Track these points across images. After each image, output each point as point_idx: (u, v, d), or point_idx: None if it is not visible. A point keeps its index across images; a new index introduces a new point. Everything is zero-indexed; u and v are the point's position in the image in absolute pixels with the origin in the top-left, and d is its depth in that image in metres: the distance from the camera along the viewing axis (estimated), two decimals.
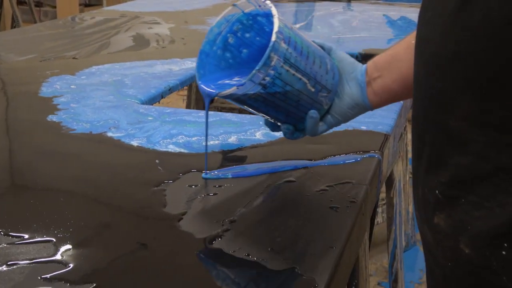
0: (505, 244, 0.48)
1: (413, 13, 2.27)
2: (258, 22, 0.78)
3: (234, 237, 0.66)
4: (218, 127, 0.99)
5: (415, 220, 2.22)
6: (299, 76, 0.73)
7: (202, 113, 1.07)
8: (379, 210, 1.96)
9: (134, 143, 0.92)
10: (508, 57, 0.46)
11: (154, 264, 0.61)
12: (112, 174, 0.83)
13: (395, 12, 2.26)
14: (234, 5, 0.78)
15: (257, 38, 0.79)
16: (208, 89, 0.74)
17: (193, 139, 0.94)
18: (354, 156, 0.88)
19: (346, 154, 0.89)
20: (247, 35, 0.79)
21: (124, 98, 1.14)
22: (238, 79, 0.76)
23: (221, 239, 0.65)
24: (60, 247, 0.63)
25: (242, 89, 0.71)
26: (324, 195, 0.77)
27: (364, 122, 1.02)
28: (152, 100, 1.17)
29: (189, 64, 1.39)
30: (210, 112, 1.08)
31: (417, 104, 0.57)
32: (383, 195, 1.61)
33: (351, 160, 0.87)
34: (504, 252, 0.48)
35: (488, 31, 0.47)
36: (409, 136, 1.78)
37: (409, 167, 2.30)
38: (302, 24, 2.05)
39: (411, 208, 2.11)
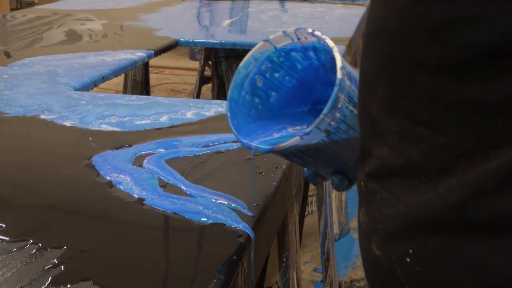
0: (410, 251, 0.44)
1: (341, 9, 2.35)
2: (290, 59, 0.67)
3: (165, 198, 0.69)
4: (150, 108, 1.02)
5: (348, 208, 2.29)
6: None
7: (134, 97, 1.10)
8: (313, 199, 2.03)
9: (67, 123, 0.94)
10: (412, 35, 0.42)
11: (88, 220, 0.64)
12: (45, 150, 0.86)
13: (324, 8, 2.34)
14: (265, 40, 0.67)
15: (286, 78, 0.68)
16: (260, 146, 0.62)
17: (125, 119, 0.97)
18: None
19: None
20: (276, 74, 0.68)
21: (57, 85, 1.16)
22: (285, 132, 0.66)
23: (150, 200, 0.69)
24: None
25: (307, 139, 0.59)
26: (250, 163, 0.81)
27: None
28: (85, 88, 1.19)
29: (122, 56, 1.42)
30: (141, 96, 1.12)
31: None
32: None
33: None
34: (408, 259, 0.44)
35: (401, 6, 0.42)
36: None
37: None
38: (234, 19, 2.10)
39: (344, 197, 2.18)
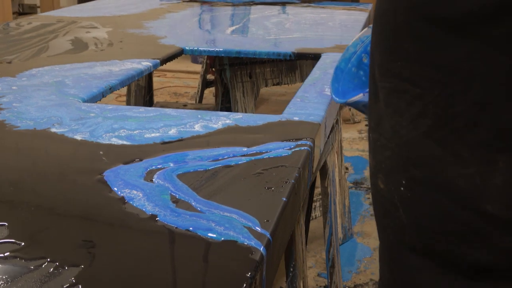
0: (403, 181, 0.57)
1: (343, 15, 2.36)
2: None
3: (177, 215, 0.71)
4: (158, 121, 1.04)
5: (352, 213, 2.30)
6: None
7: (142, 109, 1.11)
8: (317, 204, 2.04)
9: (78, 137, 0.96)
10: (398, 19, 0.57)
11: (102, 237, 0.66)
12: (58, 165, 0.87)
13: (326, 14, 2.35)
14: (369, 27, 0.84)
15: None
16: (337, 98, 0.86)
17: (134, 132, 0.98)
18: (288, 143, 0.95)
19: (280, 141, 0.95)
20: None
21: (66, 97, 1.17)
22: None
23: (163, 217, 0.70)
24: (13, 230, 0.67)
25: (368, 96, 0.77)
26: (260, 177, 0.83)
27: (296, 114, 1.09)
28: (94, 99, 1.21)
29: (129, 65, 1.43)
30: (149, 108, 1.13)
31: None
32: (318, 190, 1.68)
33: (285, 147, 0.93)
34: (402, 188, 0.58)
35: None
36: (342, 130, 1.84)
37: (344, 163, 2.39)
38: (237, 26, 2.11)
39: (347, 201, 2.19)
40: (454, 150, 0.54)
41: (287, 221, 0.79)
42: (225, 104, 2.15)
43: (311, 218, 2.15)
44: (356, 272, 2.07)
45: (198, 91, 3.24)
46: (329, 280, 1.48)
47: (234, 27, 2.08)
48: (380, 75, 0.59)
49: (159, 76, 4.32)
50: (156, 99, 3.71)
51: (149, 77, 2.69)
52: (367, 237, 2.26)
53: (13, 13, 4.79)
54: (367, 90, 0.75)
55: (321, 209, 1.91)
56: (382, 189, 0.61)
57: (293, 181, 0.82)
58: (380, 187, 0.61)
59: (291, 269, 1.07)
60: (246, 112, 2.03)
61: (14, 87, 1.23)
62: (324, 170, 1.39)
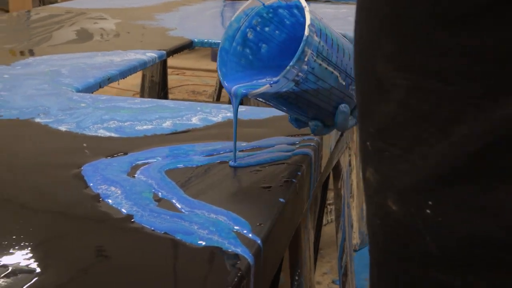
0: (430, 202, 0.45)
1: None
2: (278, 15, 0.75)
3: (157, 215, 0.62)
4: (153, 113, 0.95)
5: None
6: (331, 69, 0.70)
7: (138, 100, 1.03)
8: (333, 208, 1.94)
9: (63, 128, 0.87)
10: None
11: (66, 240, 0.57)
12: (35, 157, 0.78)
13: (347, 10, 2.26)
14: None
15: (276, 32, 0.76)
16: (236, 89, 0.71)
17: (125, 124, 0.90)
18: (292, 138, 0.85)
19: (284, 136, 0.86)
20: (266, 29, 0.76)
21: (59, 86, 1.09)
22: (265, 80, 0.73)
23: (139, 217, 0.61)
24: None
25: (276, 87, 0.67)
26: (257, 175, 0.73)
27: None
28: (89, 89, 1.12)
29: (132, 56, 1.35)
30: (146, 100, 1.04)
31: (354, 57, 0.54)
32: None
33: (289, 142, 0.84)
34: (428, 211, 0.45)
35: None
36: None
37: None
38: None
39: (365, 205, 2.09)
40: (505, 163, 0.42)
41: (286, 225, 0.70)
42: None
43: (326, 222, 2.06)
44: None
45: (215, 89, 3.15)
46: None
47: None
48: (392, 70, 0.46)
49: (177, 74, 4.25)
50: (173, 97, 3.64)
51: (164, 73, 2.60)
52: None
53: (34, 7, 4.77)
54: (278, 80, 0.66)
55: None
56: (395, 212, 0.47)
57: (294, 180, 0.72)
58: (391, 209, 0.48)
59: (296, 277, 0.98)
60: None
61: (5, 76, 1.15)
62: (337, 171, 1.29)
